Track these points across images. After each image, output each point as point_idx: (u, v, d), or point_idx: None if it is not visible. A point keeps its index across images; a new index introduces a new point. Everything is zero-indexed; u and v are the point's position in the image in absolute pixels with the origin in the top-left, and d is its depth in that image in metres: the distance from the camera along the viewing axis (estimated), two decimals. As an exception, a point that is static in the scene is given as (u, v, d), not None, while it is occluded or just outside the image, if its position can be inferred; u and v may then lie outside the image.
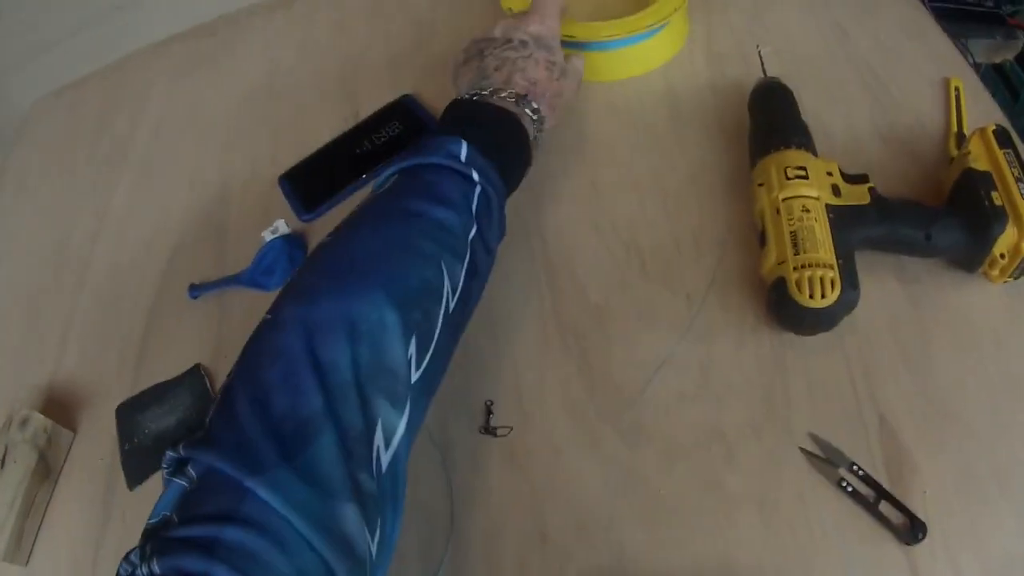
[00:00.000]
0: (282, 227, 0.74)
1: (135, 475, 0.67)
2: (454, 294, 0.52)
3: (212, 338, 0.72)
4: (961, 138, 0.65)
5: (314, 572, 0.39)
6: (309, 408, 0.42)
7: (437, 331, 0.50)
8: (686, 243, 0.66)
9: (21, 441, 0.68)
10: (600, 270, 0.66)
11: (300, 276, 0.50)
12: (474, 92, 0.62)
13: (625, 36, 0.75)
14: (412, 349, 0.47)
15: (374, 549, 0.43)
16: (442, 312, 0.51)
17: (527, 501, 0.57)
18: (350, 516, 0.41)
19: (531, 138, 0.62)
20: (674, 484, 0.55)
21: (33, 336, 0.80)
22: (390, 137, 0.78)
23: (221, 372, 0.70)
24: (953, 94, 0.69)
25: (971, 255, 0.58)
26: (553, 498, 0.56)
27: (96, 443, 0.70)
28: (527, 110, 0.62)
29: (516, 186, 0.62)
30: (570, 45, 0.71)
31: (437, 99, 0.82)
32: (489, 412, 0.60)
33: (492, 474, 0.58)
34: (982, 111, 0.68)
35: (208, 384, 0.69)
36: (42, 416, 0.69)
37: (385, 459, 0.45)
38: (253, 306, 0.72)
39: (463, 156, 0.55)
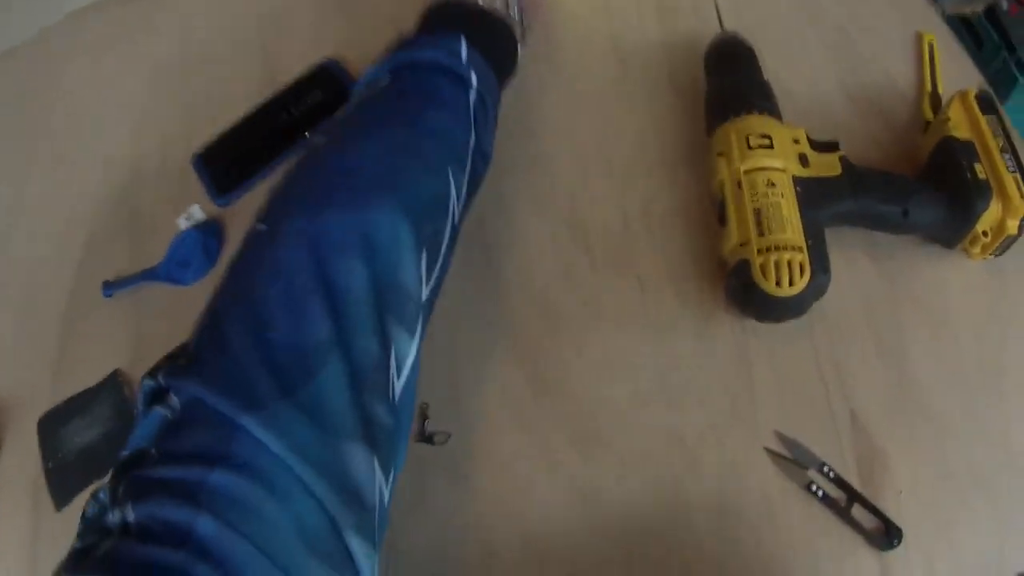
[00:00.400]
0: (197, 213, 0.68)
1: (61, 494, 0.63)
2: (459, 205, 0.49)
3: (130, 339, 0.67)
4: (936, 99, 0.60)
5: (314, 524, 0.35)
6: (316, 333, 0.38)
7: (444, 245, 0.48)
8: (634, 219, 0.61)
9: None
10: (543, 254, 0.61)
11: (296, 181, 0.45)
12: None
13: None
14: (423, 266, 0.44)
15: (387, 493, 0.39)
16: (449, 225, 0.48)
17: (471, 515, 0.53)
18: (359, 458, 0.37)
19: (517, 49, 0.59)
20: (630, 494, 0.51)
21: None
22: (311, 106, 0.72)
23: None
24: (927, 50, 0.63)
25: (951, 232, 0.54)
26: (500, 510, 0.52)
27: (23, 458, 0.65)
28: (516, 17, 0.58)
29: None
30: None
31: (362, 64, 0.75)
32: (424, 416, 0.55)
33: (432, 484, 0.54)
34: (958, 69, 0.63)
35: (127, 393, 0.65)
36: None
37: (398, 389, 0.41)
38: (171, 301, 0.67)
39: (463, 56, 0.51)
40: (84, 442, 0.65)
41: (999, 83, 1.07)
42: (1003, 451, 0.50)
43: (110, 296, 0.68)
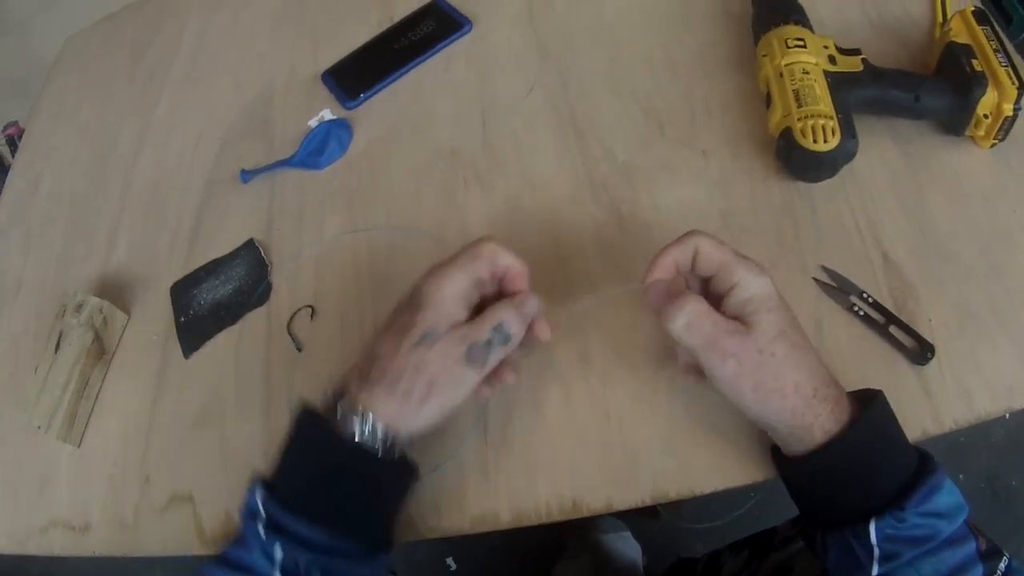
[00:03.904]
0: (327, 115, 0.80)
1: (190, 344, 0.71)
2: None
3: (264, 216, 0.77)
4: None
5: None
6: None
7: None
8: (698, 110, 0.72)
9: (76, 325, 0.72)
10: (623, 132, 0.73)
11: None
12: (334, 396, 0.53)
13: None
14: None
15: None
16: None
17: (567, 328, 0.63)
18: None
19: (395, 455, 0.52)
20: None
21: (81, 237, 0.85)
22: (426, 34, 0.84)
23: (275, 245, 0.75)
24: (937, -10, 0.76)
25: (957, 117, 0.64)
26: (594, 326, 0.62)
27: (149, 324, 0.75)
28: (367, 429, 0.50)
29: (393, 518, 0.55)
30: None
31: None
32: None
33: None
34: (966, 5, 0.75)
35: (262, 253, 0.74)
36: (97, 298, 0.73)
37: None
38: (303, 186, 0.78)
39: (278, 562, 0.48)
40: (216, 297, 0.73)
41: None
42: (1019, 293, 0.57)
43: (247, 182, 0.79)
